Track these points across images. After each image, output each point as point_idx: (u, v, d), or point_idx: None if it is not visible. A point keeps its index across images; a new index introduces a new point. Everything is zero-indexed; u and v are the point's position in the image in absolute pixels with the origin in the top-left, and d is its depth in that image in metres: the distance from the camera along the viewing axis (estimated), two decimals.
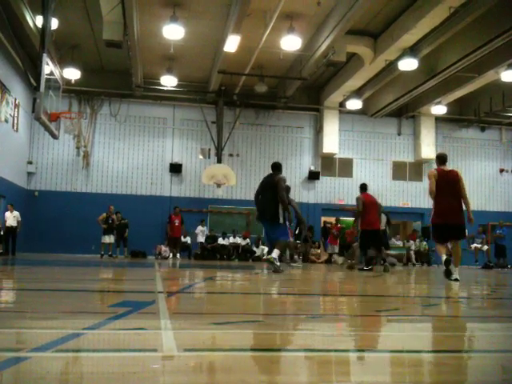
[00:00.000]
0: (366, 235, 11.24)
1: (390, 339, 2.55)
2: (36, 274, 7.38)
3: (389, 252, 15.04)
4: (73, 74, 18.06)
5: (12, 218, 16.10)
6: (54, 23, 12.69)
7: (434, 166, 23.26)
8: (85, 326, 2.43)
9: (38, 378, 1.54)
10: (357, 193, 21.81)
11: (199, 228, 19.87)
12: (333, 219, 21.09)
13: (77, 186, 20.50)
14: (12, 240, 16.15)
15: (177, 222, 18.31)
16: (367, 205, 11.33)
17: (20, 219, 16.26)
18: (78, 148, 20.62)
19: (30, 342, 2.16)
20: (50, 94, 11.10)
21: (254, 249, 20.29)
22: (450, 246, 9.68)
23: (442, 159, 8.60)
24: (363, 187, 11.91)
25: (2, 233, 15.94)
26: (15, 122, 17.98)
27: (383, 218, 14.59)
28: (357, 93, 19.94)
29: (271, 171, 10.08)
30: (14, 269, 9.01)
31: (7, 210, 16.26)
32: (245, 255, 19.85)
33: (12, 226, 16.02)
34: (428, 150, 22.61)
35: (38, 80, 10.03)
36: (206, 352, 2.01)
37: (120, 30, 14.62)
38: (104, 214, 17.64)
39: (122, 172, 20.95)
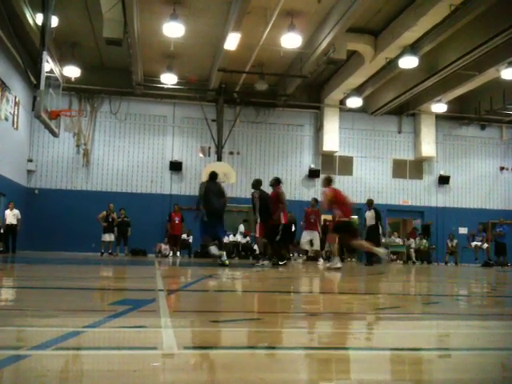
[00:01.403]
0: (286, 229, 11.71)
1: (388, 337, 2.55)
2: (36, 271, 7.38)
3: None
4: (73, 71, 18.04)
5: (12, 216, 16.11)
6: (54, 21, 12.66)
7: (435, 164, 23.36)
8: (85, 324, 2.43)
9: (39, 375, 1.54)
10: (358, 191, 22.16)
11: (242, 226, 19.82)
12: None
13: (77, 184, 20.50)
14: (12, 238, 16.16)
15: (177, 220, 18.31)
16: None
17: (20, 217, 16.27)
18: (78, 146, 20.61)
19: (30, 339, 2.16)
20: (50, 92, 11.07)
21: (255, 247, 20.29)
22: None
23: (331, 180, 10.41)
24: (278, 180, 12.06)
25: (1, 231, 15.94)
26: (15, 120, 17.97)
27: (371, 213, 14.75)
28: (357, 91, 19.92)
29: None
30: (14, 267, 9.01)
31: (7, 208, 16.28)
32: (245, 253, 19.85)
33: (12, 224, 16.03)
34: (428, 148, 22.62)
35: (38, 78, 10.02)
36: (206, 350, 2.01)
37: (120, 28, 14.61)
38: (104, 212, 17.65)
39: (122, 170, 20.94)
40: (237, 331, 2.51)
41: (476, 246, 19.61)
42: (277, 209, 11.36)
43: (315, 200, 16.02)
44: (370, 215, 14.74)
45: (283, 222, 11.40)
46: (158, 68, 19.06)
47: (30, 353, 1.81)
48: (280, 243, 11.70)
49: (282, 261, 11.38)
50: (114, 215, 17.87)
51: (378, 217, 14.57)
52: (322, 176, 12.20)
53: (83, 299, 3.91)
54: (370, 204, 14.95)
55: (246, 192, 21.01)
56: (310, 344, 2.26)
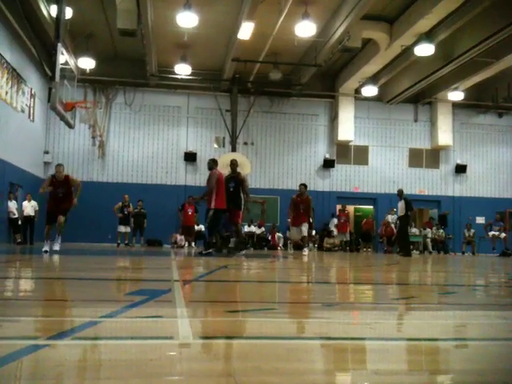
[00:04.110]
0: (219, 215, 10.69)
1: (404, 327, 2.54)
2: (53, 262, 7.47)
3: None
4: (87, 63, 18.12)
5: (30, 207, 16.32)
6: (69, 13, 12.72)
7: (452, 153, 23.04)
8: (102, 314, 2.45)
9: (56, 365, 1.56)
10: (373, 181, 22.03)
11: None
12: (350, 207, 21.02)
13: (93, 176, 20.65)
14: (30, 229, 16.38)
15: (190, 211, 18.33)
16: (220, 183, 10.74)
17: (37, 209, 16.46)
18: (93, 137, 20.74)
19: (48, 329, 2.19)
20: (65, 84, 11.14)
21: (269, 237, 20.34)
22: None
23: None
24: (215, 162, 11.16)
25: (20, 222, 16.16)
26: (31, 111, 18.13)
27: (402, 203, 14.52)
28: (372, 79, 19.74)
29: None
30: (32, 258, 9.13)
31: (25, 200, 16.50)
32: (260, 244, 19.89)
33: (30, 216, 16.24)
34: (445, 137, 22.37)
35: (53, 70, 10.07)
36: (222, 340, 2.02)
37: (134, 19, 14.61)
38: (119, 204, 17.77)
39: (137, 161, 21.05)
40: (252, 321, 2.52)
41: (493, 235, 19.39)
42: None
43: (305, 186, 13.28)
44: (400, 206, 14.54)
45: (213, 206, 10.53)
46: (171, 58, 19.05)
47: (48, 342, 1.83)
48: (209, 230, 11.06)
49: (206, 249, 10.70)
50: (130, 207, 17.96)
51: (408, 207, 14.37)
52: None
53: (100, 289, 3.94)
54: (400, 194, 14.71)
55: (261, 182, 21.07)
56: (325, 334, 2.25)
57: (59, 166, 10.03)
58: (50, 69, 10.64)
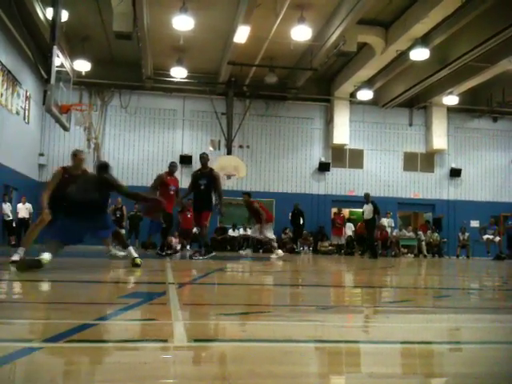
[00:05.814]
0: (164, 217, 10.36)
1: (399, 330, 2.55)
2: (48, 265, 7.43)
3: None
4: (83, 65, 18.08)
5: (24, 209, 16.26)
6: (64, 15, 12.69)
7: (446, 157, 23.10)
8: (96, 317, 2.45)
9: (51, 367, 1.56)
10: (368, 184, 22.06)
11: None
12: (345, 211, 21.04)
13: None
14: (24, 232, 16.27)
15: (189, 214, 18.29)
16: (162, 184, 10.35)
17: (32, 211, 16.40)
18: (88, 140, 20.68)
19: (42, 332, 2.18)
20: (60, 86, 11.13)
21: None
22: None
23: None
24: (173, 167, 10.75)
25: (14, 224, 16.10)
26: (26, 114, 18.08)
27: (369, 207, 14.85)
28: (368, 83, 19.79)
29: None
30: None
31: (20, 202, 16.44)
32: (255, 247, 19.85)
33: (24, 218, 16.17)
34: (440, 141, 22.45)
35: (48, 72, 10.05)
36: (216, 342, 2.02)
37: (130, 22, 14.62)
38: (113, 206, 17.71)
39: (133, 164, 21.01)
40: (246, 324, 2.52)
41: (488, 239, 19.42)
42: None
43: (248, 195, 13.24)
44: (368, 209, 15.01)
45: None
46: (167, 61, 19.05)
47: (42, 345, 1.82)
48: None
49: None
50: (123, 209, 17.85)
51: (376, 211, 14.79)
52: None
53: (94, 292, 3.93)
54: (367, 198, 15.16)
55: (256, 185, 21.06)
56: (319, 337, 2.26)
57: (80, 152, 7.43)
58: (46, 71, 10.60)
